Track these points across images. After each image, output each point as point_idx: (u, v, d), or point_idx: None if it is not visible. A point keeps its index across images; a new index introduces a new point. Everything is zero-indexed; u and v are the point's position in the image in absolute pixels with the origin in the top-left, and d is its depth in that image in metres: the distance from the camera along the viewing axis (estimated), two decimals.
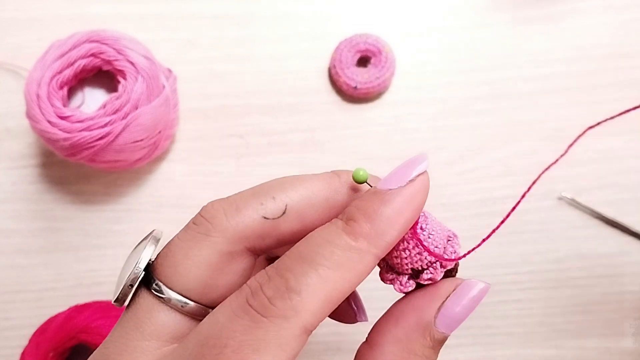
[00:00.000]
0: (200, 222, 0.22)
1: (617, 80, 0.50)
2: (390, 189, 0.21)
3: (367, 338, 0.22)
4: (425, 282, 0.22)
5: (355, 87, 0.48)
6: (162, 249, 0.22)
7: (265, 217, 0.22)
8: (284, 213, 0.22)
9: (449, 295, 0.22)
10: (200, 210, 0.23)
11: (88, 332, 0.41)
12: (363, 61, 0.50)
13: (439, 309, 0.21)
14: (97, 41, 0.44)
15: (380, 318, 0.23)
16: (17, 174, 0.49)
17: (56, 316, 0.43)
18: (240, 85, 0.50)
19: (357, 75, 0.48)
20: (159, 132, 0.45)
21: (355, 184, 0.23)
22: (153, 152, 0.46)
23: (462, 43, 0.51)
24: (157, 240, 0.23)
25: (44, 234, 0.48)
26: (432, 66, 0.50)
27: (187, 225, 0.23)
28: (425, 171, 0.22)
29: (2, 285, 0.47)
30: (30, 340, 0.42)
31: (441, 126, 0.49)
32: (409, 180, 0.21)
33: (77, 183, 0.49)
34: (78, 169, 0.49)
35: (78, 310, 0.43)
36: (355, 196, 0.23)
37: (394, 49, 0.50)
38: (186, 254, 0.21)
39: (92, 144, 0.42)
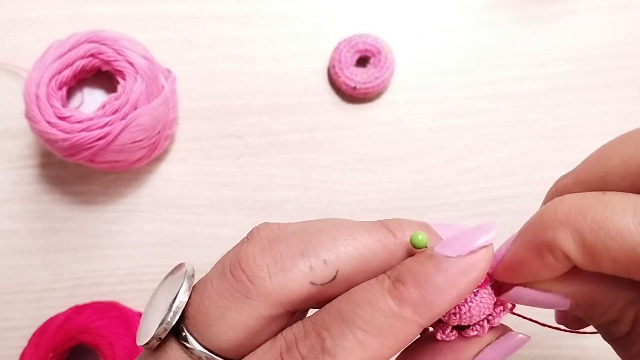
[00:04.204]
0: (240, 278, 0.20)
1: (617, 80, 0.49)
2: (448, 256, 0.19)
3: None
4: (469, 337, 0.22)
5: (355, 87, 0.48)
6: (194, 295, 0.21)
7: (313, 283, 0.20)
8: (333, 279, 0.20)
9: (489, 343, 0.21)
10: (240, 256, 0.20)
11: (87, 333, 0.41)
12: (362, 61, 0.50)
13: (476, 354, 0.21)
14: (96, 42, 0.44)
15: (413, 350, 0.22)
16: (16, 175, 0.49)
17: (55, 317, 0.43)
18: (239, 85, 0.50)
19: (356, 76, 0.48)
20: (158, 132, 0.45)
21: (412, 248, 0.21)
22: (152, 152, 0.46)
23: (462, 43, 0.51)
24: (192, 279, 0.21)
25: (43, 235, 0.48)
26: (432, 66, 0.50)
27: (222, 270, 0.20)
28: (491, 244, 0.20)
29: (1, 286, 0.47)
30: (30, 341, 0.42)
31: (441, 126, 0.49)
32: (470, 251, 0.19)
33: (76, 183, 0.49)
34: (77, 169, 0.49)
35: (77, 310, 0.43)
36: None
37: (393, 49, 0.50)
38: (222, 314, 0.20)
39: (91, 145, 0.42)
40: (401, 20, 0.51)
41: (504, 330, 0.22)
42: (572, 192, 0.21)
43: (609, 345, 0.22)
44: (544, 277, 0.21)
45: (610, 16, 0.51)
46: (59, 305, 0.45)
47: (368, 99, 0.50)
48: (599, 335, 0.24)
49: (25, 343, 0.42)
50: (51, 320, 0.43)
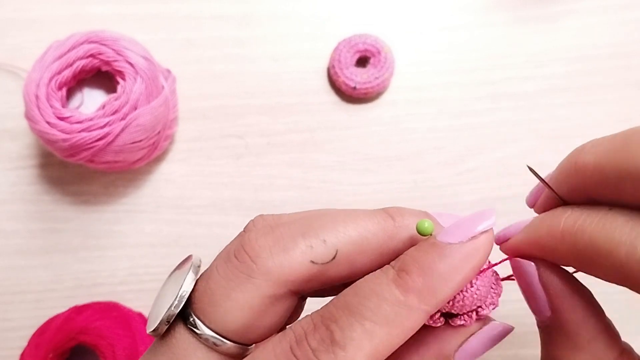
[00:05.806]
0: (243, 260, 0.21)
1: (617, 80, 0.49)
2: (450, 243, 0.19)
3: None
4: (456, 325, 0.22)
5: (354, 87, 0.48)
6: (201, 281, 0.21)
7: (313, 262, 0.20)
8: (333, 258, 0.21)
9: (473, 333, 0.22)
10: (243, 241, 0.21)
11: (87, 333, 0.41)
12: (362, 61, 0.50)
13: (460, 344, 0.22)
14: (96, 42, 0.44)
15: None
16: (16, 175, 0.49)
17: (55, 317, 0.43)
18: (239, 85, 0.50)
19: (356, 76, 0.48)
20: (158, 132, 0.45)
21: (418, 234, 0.21)
22: (152, 152, 0.46)
23: (461, 43, 0.51)
24: (198, 269, 0.22)
25: (43, 235, 0.48)
26: (432, 66, 0.50)
27: (227, 256, 0.21)
28: (491, 229, 0.20)
29: (1, 286, 0.47)
30: (30, 341, 0.42)
31: (441, 126, 0.49)
32: (472, 237, 0.20)
33: (76, 184, 0.49)
34: (77, 169, 0.49)
35: (77, 311, 0.43)
36: (410, 242, 0.22)
37: (393, 49, 0.50)
38: (227, 294, 0.20)
39: (91, 145, 0.42)
40: (401, 20, 0.51)
41: (488, 320, 0.23)
42: (589, 176, 0.20)
43: None
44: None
45: (610, 16, 0.51)
46: (59, 305, 0.45)
47: (368, 99, 0.50)
48: None
49: (25, 343, 0.42)
50: (51, 321, 0.43)
